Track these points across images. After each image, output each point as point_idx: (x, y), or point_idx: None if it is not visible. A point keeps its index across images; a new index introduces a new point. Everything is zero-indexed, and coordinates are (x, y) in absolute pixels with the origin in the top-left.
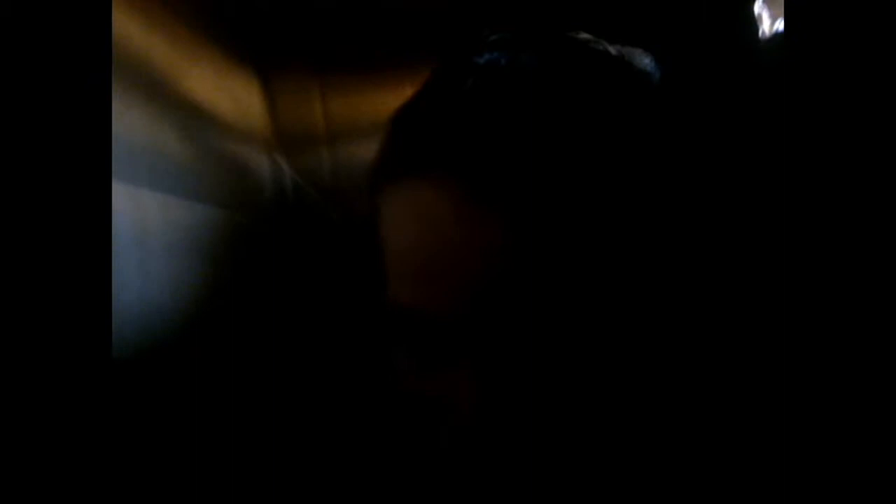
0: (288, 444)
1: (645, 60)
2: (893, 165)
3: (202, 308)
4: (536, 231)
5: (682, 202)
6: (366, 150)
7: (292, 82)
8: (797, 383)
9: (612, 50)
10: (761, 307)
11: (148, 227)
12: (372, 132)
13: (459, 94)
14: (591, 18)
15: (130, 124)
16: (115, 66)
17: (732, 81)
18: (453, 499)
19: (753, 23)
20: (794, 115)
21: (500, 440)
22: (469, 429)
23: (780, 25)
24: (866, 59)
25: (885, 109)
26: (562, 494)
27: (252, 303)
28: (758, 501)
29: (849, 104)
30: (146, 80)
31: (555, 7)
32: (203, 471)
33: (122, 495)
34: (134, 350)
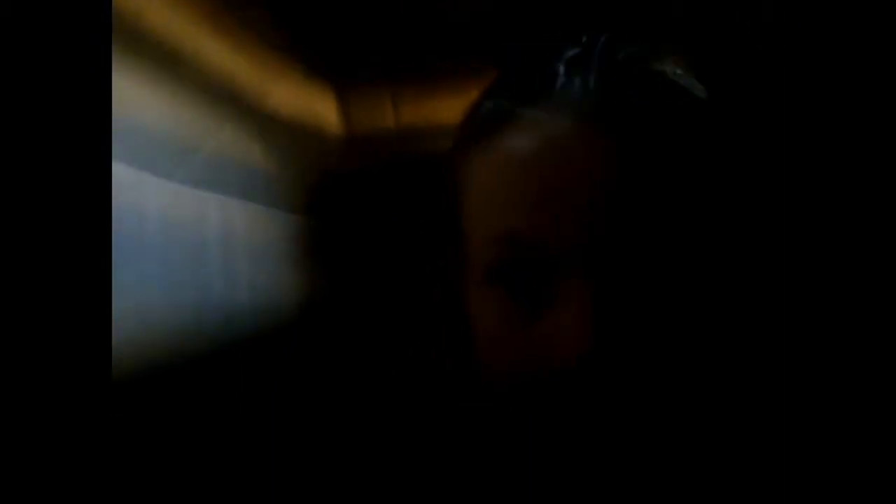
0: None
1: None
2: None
3: (282, 309)
4: (651, 169)
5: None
6: (434, 151)
7: (365, 94)
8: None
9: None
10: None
11: (234, 232)
12: (439, 135)
13: (590, 49)
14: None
15: (222, 140)
16: (208, 89)
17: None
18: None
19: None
20: (795, 109)
21: (611, 377)
22: (576, 369)
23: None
24: (865, 55)
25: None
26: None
27: (328, 302)
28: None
29: (848, 98)
30: (235, 99)
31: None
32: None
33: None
34: (218, 347)
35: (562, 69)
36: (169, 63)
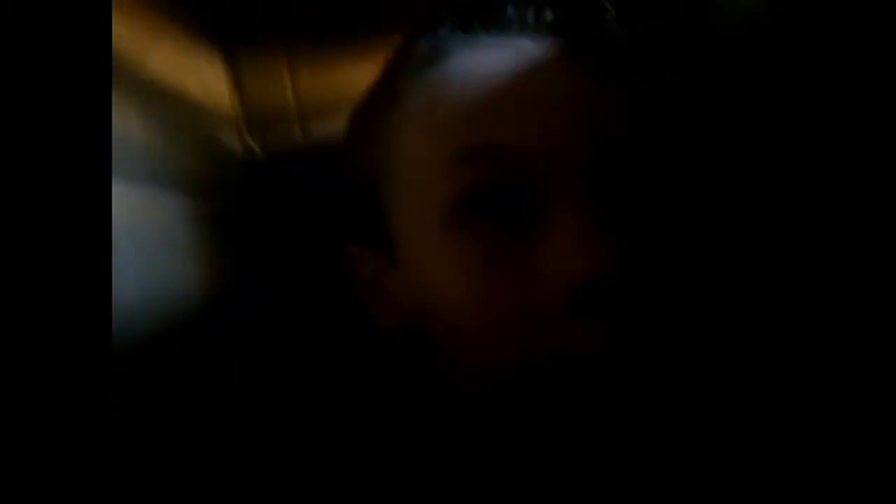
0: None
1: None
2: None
3: (176, 304)
4: (632, 92)
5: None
6: (338, 126)
7: (259, 59)
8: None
9: None
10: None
11: (115, 216)
12: (344, 107)
13: None
14: None
15: None
16: None
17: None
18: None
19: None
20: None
21: (606, 307)
22: (578, 284)
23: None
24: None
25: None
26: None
27: (231, 291)
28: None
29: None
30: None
31: None
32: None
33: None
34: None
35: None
36: None
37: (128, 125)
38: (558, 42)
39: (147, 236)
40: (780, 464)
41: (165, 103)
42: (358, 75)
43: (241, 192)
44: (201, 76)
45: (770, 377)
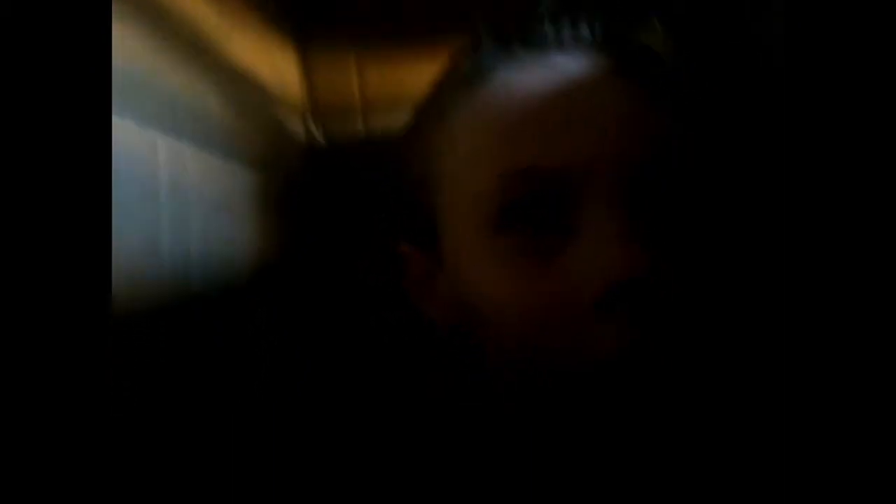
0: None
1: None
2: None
3: (230, 263)
4: (658, 100)
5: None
6: (399, 121)
7: (329, 53)
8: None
9: None
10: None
11: (186, 180)
12: (406, 104)
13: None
14: None
15: (176, 82)
16: (167, 26)
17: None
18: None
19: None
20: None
21: (642, 312)
22: (605, 289)
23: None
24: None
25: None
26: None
27: (278, 263)
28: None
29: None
30: (194, 41)
31: None
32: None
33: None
34: (171, 299)
35: (546, 16)
36: None
37: (207, 100)
38: (597, 58)
39: (213, 198)
40: (793, 463)
41: (241, 85)
42: (421, 74)
43: (299, 174)
44: (275, 64)
45: (784, 379)
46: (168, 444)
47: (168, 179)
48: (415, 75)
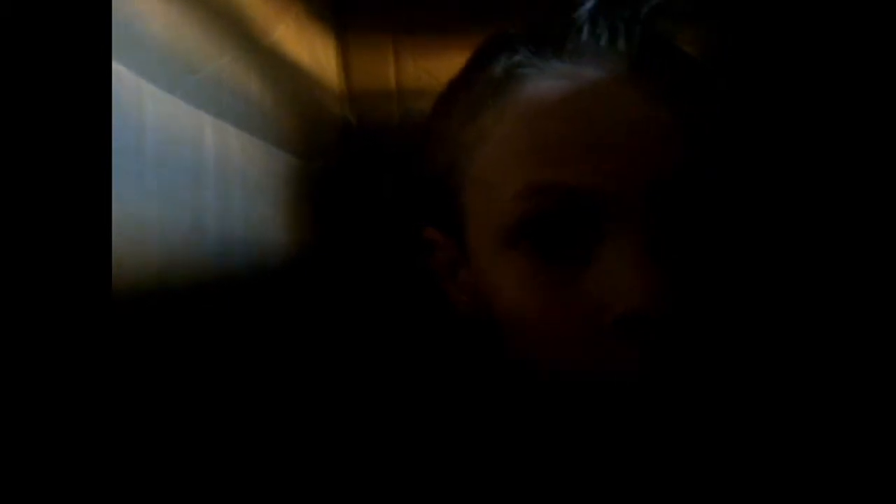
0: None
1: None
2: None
3: (269, 244)
4: (692, 122)
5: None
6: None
7: (367, 42)
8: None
9: None
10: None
11: (230, 160)
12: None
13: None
14: None
15: (222, 66)
16: (215, 11)
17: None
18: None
19: None
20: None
21: (663, 330)
22: (629, 314)
23: None
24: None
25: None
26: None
27: (314, 244)
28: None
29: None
30: (238, 25)
31: None
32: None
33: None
34: (214, 279)
35: (584, 21)
36: None
37: (249, 85)
38: (629, 70)
39: (255, 180)
40: (810, 479)
41: (282, 71)
42: (456, 63)
43: (337, 158)
44: (315, 51)
45: (801, 410)
46: (205, 420)
47: (214, 160)
48: (450, 64)
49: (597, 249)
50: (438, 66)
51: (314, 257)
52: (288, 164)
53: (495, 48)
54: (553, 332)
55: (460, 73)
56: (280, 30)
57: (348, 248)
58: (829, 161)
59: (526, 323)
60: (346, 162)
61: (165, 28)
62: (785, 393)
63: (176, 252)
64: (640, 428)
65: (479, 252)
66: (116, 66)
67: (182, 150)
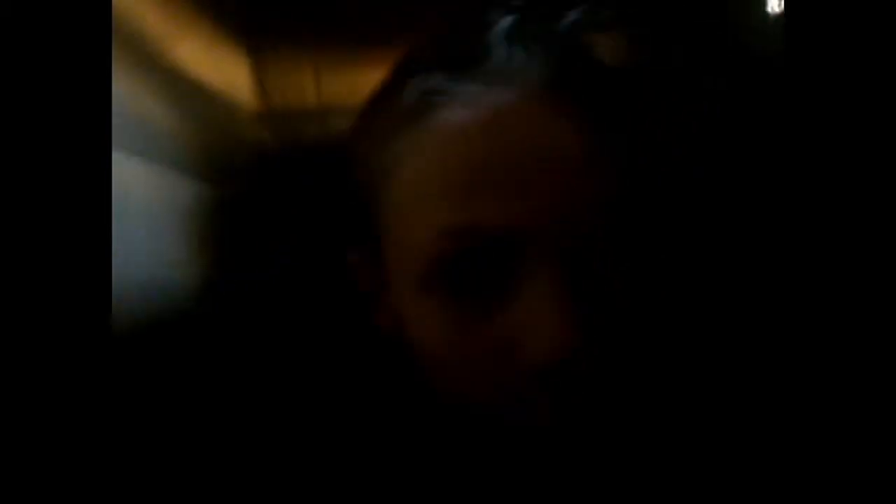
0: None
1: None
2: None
3: (178, 286)
4: (616, 147)
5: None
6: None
7: (284, 58)
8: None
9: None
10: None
11: (130, 193)
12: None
13: (548, 19)
14: None
15: (117, 90)
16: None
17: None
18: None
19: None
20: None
21: (580, 372)
22: (543, 364)
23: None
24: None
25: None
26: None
27: (232, 278)
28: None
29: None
30: (137, 47)
31: None
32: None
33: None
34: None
35: (499, 40)
36: None
37: (151, 108)
38: (547, 90)
39: (159, 215)
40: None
41: (188, 92)
42: (379, 79)
43: (252, 182)
44: (225, 70)
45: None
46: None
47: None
48: (372, 80)
49: (515, 287)
50: (361, 81)
51: (225, 296)
52: (197, 192)
53: (411, 68)
54: (466, 370)
55: (378, 92)
56: (183, 48)
57: (263, 281)
58: (759, 181)
59: (438, 359)
60: (264, 185)
61: None
62: (713, 436)
63: None
64: (543, 473)
65: (397, 282)
66: None
67: None
